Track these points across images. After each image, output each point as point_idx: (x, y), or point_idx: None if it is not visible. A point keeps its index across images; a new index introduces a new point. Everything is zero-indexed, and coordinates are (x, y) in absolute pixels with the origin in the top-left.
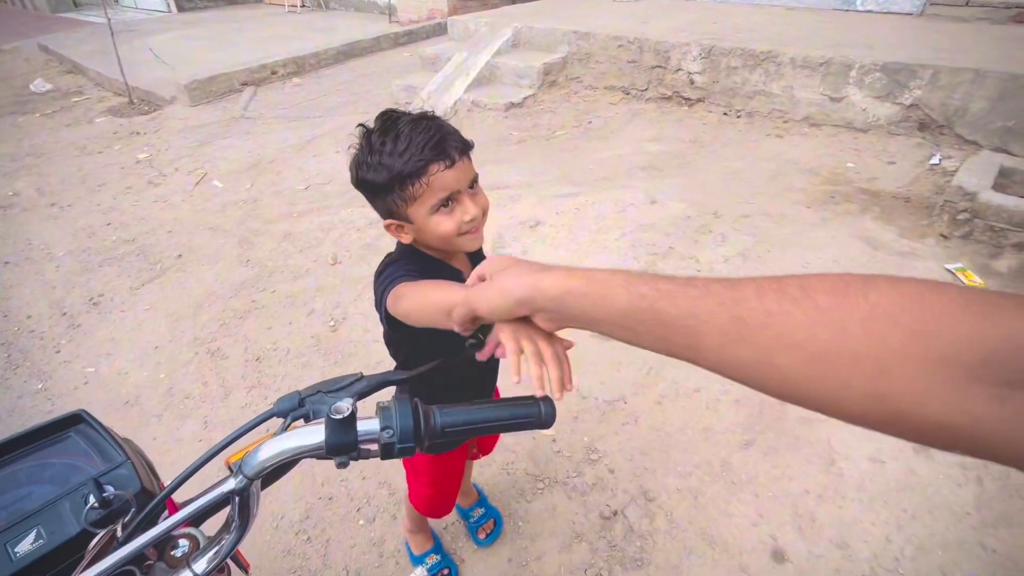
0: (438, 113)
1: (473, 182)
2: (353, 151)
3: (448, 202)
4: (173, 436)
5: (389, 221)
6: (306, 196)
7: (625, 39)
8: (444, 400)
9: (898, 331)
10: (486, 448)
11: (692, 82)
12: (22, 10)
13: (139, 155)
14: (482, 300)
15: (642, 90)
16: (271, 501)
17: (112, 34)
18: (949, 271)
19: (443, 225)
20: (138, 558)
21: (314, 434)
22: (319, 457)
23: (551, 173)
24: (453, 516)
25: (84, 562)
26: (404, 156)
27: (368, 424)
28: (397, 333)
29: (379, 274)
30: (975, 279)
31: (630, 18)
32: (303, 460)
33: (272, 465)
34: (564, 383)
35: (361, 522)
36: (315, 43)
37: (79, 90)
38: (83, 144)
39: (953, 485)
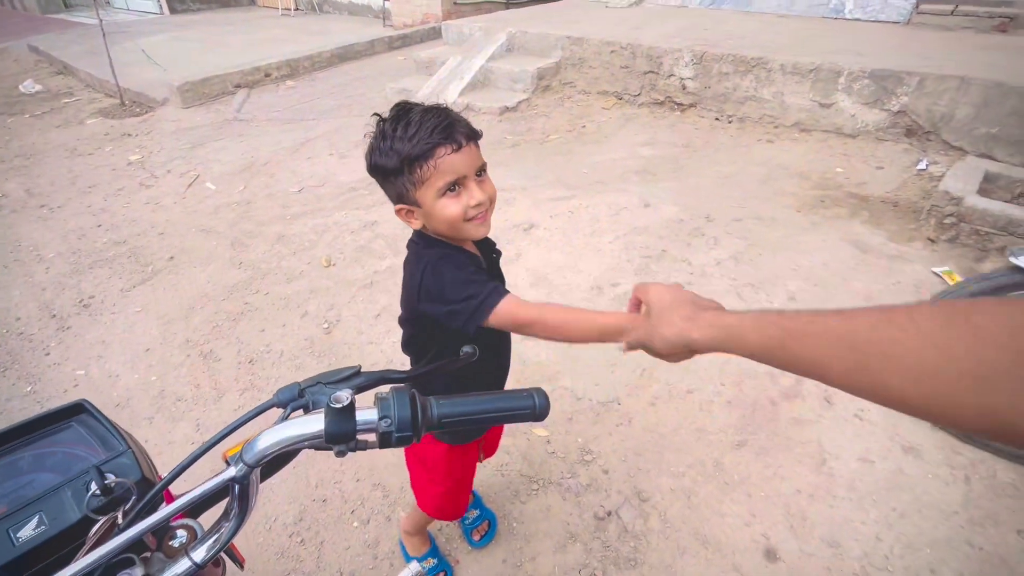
0: None
1: (481, 170)
2: (368, 140)
3: (455, 186)
4: (165, 439)
5: (400, 206)
6: (300, 198)
7: (618, 45)
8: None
9: (1004, 352)
10: (490, 450)
11: (684, 87)
12: (11, 11)
13: (131, 157)
14: (660, 339)
15: (635, 95)
16: (265, 503)
17: (104, 35)
18: (936, 274)
19: (449, 209)
20: (137, 547)
21: (314, 423)
22: (318, 447)
23: (545, 177)
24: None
25: (85, 548)
26: (413, 140)
27: (367, 414)
28: (425, 334)
29: (425, 275)
30: (958, 279)
31: (623, 24)
32: (300, 459)
33: (272, 453)
34: None
35: (355, 524)
36: (309, 46)
37: (69, 91)
38: (74, 145)
39: (941, 484)
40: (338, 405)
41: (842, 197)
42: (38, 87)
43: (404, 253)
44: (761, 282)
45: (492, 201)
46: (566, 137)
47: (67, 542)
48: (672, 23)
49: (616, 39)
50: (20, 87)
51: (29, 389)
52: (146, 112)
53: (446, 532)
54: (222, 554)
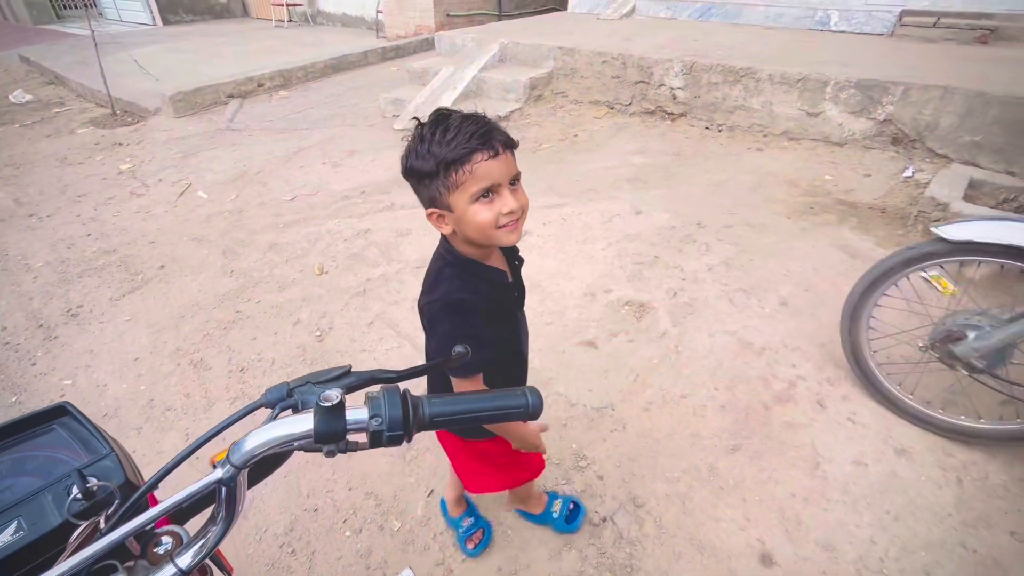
0: None
1: (515, 179)
2: (406, 143)
3: (488, 193)
4: (153, 449)
5: (431, 210)
6: (292, 207)
7: (609, 55)
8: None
9: None
10: None
11: (675, 97)
12: (2, 21)
13: (122, 166)
14: None
15: (626, 104)
16: (255, 513)
17: (96, 45)
18: (925, 279)
19: (481, 215)
20: (121, 555)
21: (303, 422)
22: (307, 449)
23: (538, 185)
24: (442, 525)
25: (66, 553)
26: (451, 144)
27: (357, 413)
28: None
29: (447, 307)
30: (950, 286)
31: (614, 36)
32: (291, 467)
33: (260, 453)
34: None
35: (347, 533)
36: (302, 57)
37: (60, 101)
38: (64, 155)
39: (934, 486)
40: (327, 404)
41: (831, 204)
42: (28, 97)
43: (397, 261)
44: (752, 287)
45: (524, 210)
46: (558, 146)
47: (47, 548)
48: (662, 34)
49: (607, 50)
50: (10, 97)
51: (14, 399)
52: (138, 122)
53: (440, 540)
54: (209, 562)
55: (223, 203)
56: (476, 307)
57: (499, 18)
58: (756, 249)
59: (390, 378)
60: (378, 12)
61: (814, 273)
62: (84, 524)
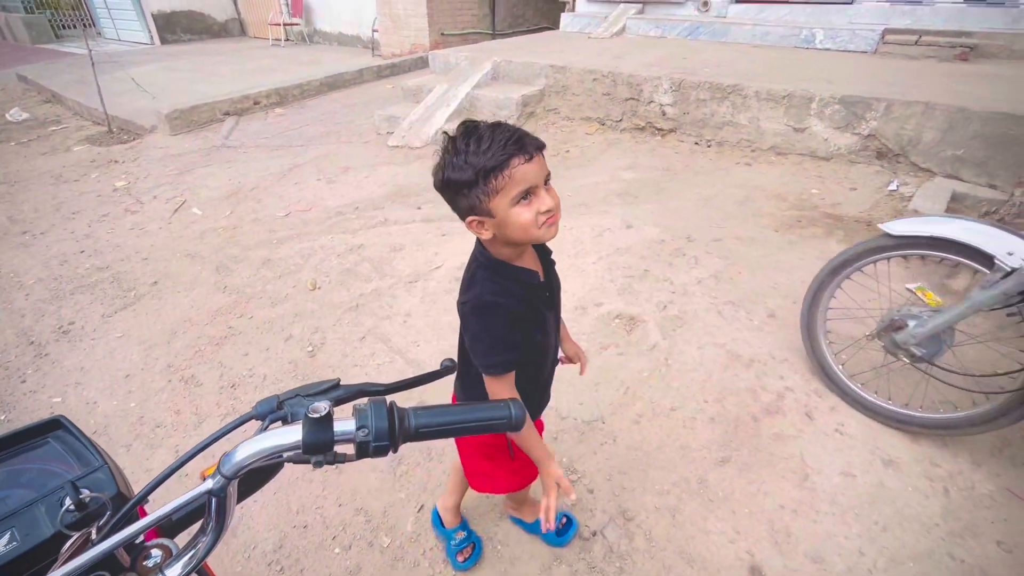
0: (418, 143)
1: (547, 178)
2: (436, 156)
3: (527, 195)
4: (143, 466)
5: (472, 218)
6: (286, 223)
7: (599, 73)
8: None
9: None
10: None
11: (664, 113)
12: (2, 41)
13: (117, 183)
14: None
15: (617, 121)
16: (244, 530)
17: (93, 64)
18: (910, 290)
19: (523, 216)
20: (112, 567)
21: (292, 433)
22: (296, 460)
23: None
24: (431, 541)
25: (58, 563)
26: (488, 152)
27: (344, 424)
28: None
29: (478, 307)
30: (934, 297)
31: (604, 54)
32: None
33: (250, 463)
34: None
35: (336, 550)
36: (299, 75)
37: (57, 119)
38: (59, 172)
39: (921, 497)
40: (316, 415)
41: (818, 217)
42: (25, 115)
43: (390, 276)
44: (741, 300)
45: (558, 206)
46: (550, 162)
47: (40, 558)
48: (652, 52)
49: (598, 68)
50: (6, 115)
51: (3, 417)
52: (134, 139)
53: (429, 556)
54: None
55: (217, 219)
56: (506, 309)
57: (493, 37)
58: (744, 262)
59: (378, 391)
60: (374, 31)
61: (802, 285)
62: (76, 535)
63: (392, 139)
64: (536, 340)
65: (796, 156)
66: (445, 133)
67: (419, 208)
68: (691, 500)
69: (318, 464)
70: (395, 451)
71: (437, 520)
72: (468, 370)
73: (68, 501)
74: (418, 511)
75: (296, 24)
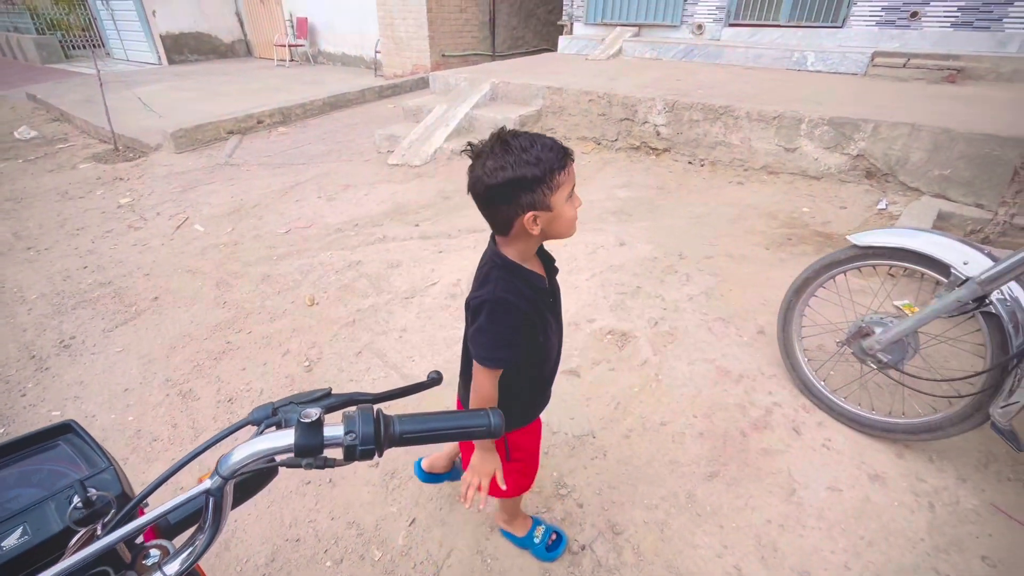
0: (417, 162)
1: None
2: (483, 166)
3: (571, 193)
4: (139, 479)
5: (532, 213)
6: (286, 240)
7: (595, 94)
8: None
9: None
10: None
11: (658, 133)
12: (12, 60)
13: (121, 200)
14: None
15: (612, 140)
16: (236, 543)
17: (101, 84)
18: (897, 307)
19: (570, 210)
20: (115, 563)
21: (285, 437)
22: (289, 464)
23: None
24: (423, 554)
25: (65, 556)
26: (552, 152)
27: (334, 429)
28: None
29: (491, 304)
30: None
31: (600, 75)
32: (274, 496)
33: (246, 465)
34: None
35: (328, 563)
36: (302, 95)
37: (64, 137)
38: (65, 189)
39: (907, 512)
40: (307, 420)
41: (808, 235)
42: (33, 133)
43: (387, 292)
44: (731, 316)
45: None
46: None
47: (49, 552)
48: (647, 74)
49: (593, 89)
50: (15, 133)
51: (2, 431)
52: (139, 157)
53: (420, 569)
54: None
55: (219, 236)
56: (516, 307)
57: (492, 58)
58: (735, 279)
59: (367, 400)
60: (376, 52)
61: None
62: (82, 531)
63: (392, 158)
64: (539, 343)
65: (788, 175)
66: (471, 144)
67: (417, 225)
68: (679, 515)
69: (309, 466)
70: (380, 455)
71: (511, 536)
72: (469, 371)
73: (76, 499)
74: (409, 524)
75: (301, 45)
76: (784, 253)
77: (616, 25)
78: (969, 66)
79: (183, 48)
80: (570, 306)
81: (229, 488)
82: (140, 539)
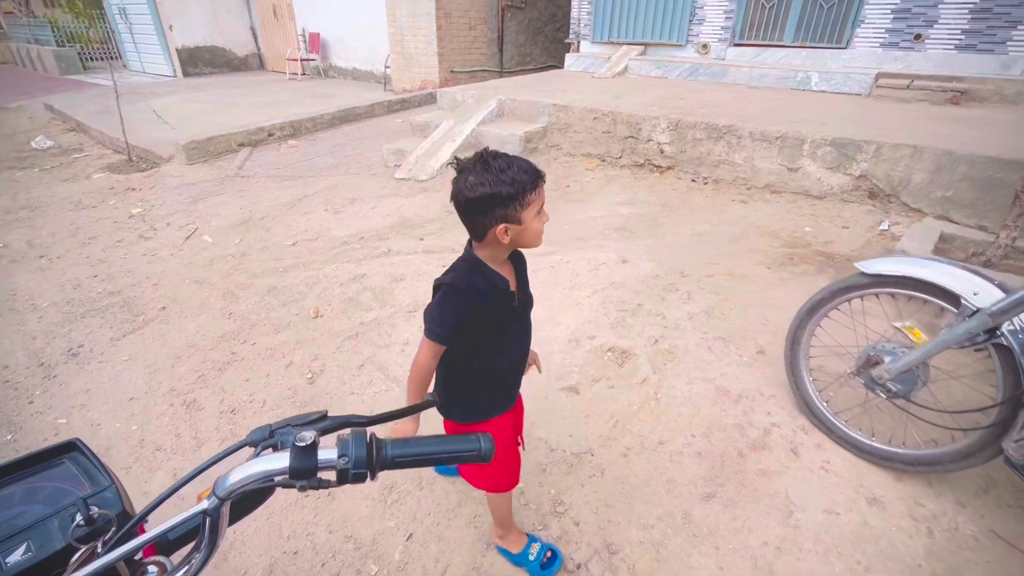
0: (424, 176)
1: None
2: (465, 180)
3: (540, 209)
4: (141, 489)
5: (504, 225)
6: (293, 252)
7: (600, 112)
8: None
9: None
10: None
11: (662, 151)
12: (32, 71)
13: (132, 210)
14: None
15: (617, 157)
16: (235, 555)
17: (117, 96)
18: (898, 329)
19: (537, 225)
20: None
21: (280, 460)
22: (284, 485)
23: None
24: (419, 570)
25: (66, 573)
26: (526, 175)
27: (327, 453)
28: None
29: (444, 287)
30: (922, 336)
31: (605, 93)
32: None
33: (242, 486)
34: None
35: None
36: (312, 108)
37: (80, 147)
38: (78, 199)
39: (905, 536)
40: (302, 444)
41: (810, 255)
42: (50, 143)
43: (390, 305)
44: (731, 335)
45: None
46: (551, 196)
47: (52, 568)
48: (652, 92)
49: (599, 107)
50: (32, 143)
51: (10, 437)
52: (152, 168)
53: None
54: None
55: (227, 247)
56: (465, 296)
57: (500, 75)
58: (736, 298)
59: (361, 422)
60: (386, 67)
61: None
62: (84, 548)
63: (399, 172)
64: (491, 336)
65: (790, 194)
66: (457, 159)
67: (421, 239)
68: (676, 535)
69: (303, 488)
70: (372, 478)
71: (506, 553)
72: (447, 366)
73: (79, 517)
74: (407, 539)
75: (313, 60)
76: (786, 273)
77: (622, 43)
78: (973, 88)
79: (198, 61)
80: (571, 322)
81: (225, 509)
82: (139, 555)
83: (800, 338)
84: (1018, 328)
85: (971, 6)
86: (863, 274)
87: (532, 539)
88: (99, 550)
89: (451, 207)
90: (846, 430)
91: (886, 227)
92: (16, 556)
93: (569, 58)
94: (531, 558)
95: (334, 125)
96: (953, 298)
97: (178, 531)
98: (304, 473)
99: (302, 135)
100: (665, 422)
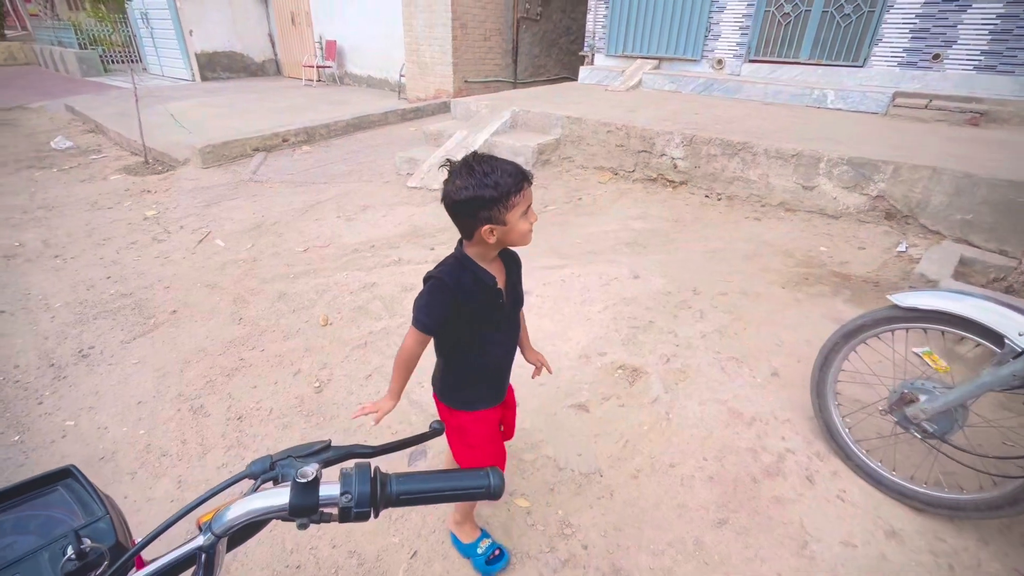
0: (436, 186)
1: None
2: (453, 183)
3: (527, 210)
4: (145, 495)
5: (488, 226)
6: (304, 258)
7: (614, 125)
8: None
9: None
10: (508, 434)
11: (676, 166)
12: (55, 73)
13: (147, 212)
14: None
15: (629, 171)
16: (238, 568)
17: (136, 99)
18: (917, 354)
19: (523, 225)
20: None
21: (280, 496)
22: (284, 519)
23: (540, 245)
24: None
25: None
26: (511, 178)
27: (329, 489)
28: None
29: (431, 280)
30: (941, 363)
31: (619, 107)
32: (274, 522)
33: (239, 524)
34: None
35: None
36: (327, 115)
37: (98, 149)
38: (95, 199)
39: (924, 572)
40: (303, 480)
41: (825, 275)
42: (69, 143)
43: (400, 315)
44: (745, 356)
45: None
46: (563, 208)
47: None
48: (666, 107)
49: (612, 120)
50: (52, 143)
51: (17, 438)
52: (167, 171)
53: None
54: None
55: (239, 252)
56: (450, 290)
57: (514, 86)
58: (750, 318)
59: (366, 453)
60: (401, 76)
61: (806, 344)
62: None
63: (411, 180)
64: (491, 337)
65: (805, 213)
66: (448, 160)
67: (432, 249)
68: (686, 562)
69: (303, 526)
70: (375, 517)
71: (456, 541)
72: (440, 355)
73: (70, 550)
74: (411, 557)
75: (328, 67)
76: (800, 293)
77: (637, 57)
78: (992, 109)
79: (216, 66)
80: (581, 338)
81: (222, 545)
82: None
83: (832, 361)
84: None
85: (991, 27)
86: (895, 306)
87: (484, 534)
88: None
89: None
90: (866, 460)
91: (903, 249)
92: None
93: (583, 71)
94: (479, 551)
95: (348, 132)
96: (995, 337)
97: (174, 564)
98: (304, 511)
99: (316, 141)
100: (676, 444)
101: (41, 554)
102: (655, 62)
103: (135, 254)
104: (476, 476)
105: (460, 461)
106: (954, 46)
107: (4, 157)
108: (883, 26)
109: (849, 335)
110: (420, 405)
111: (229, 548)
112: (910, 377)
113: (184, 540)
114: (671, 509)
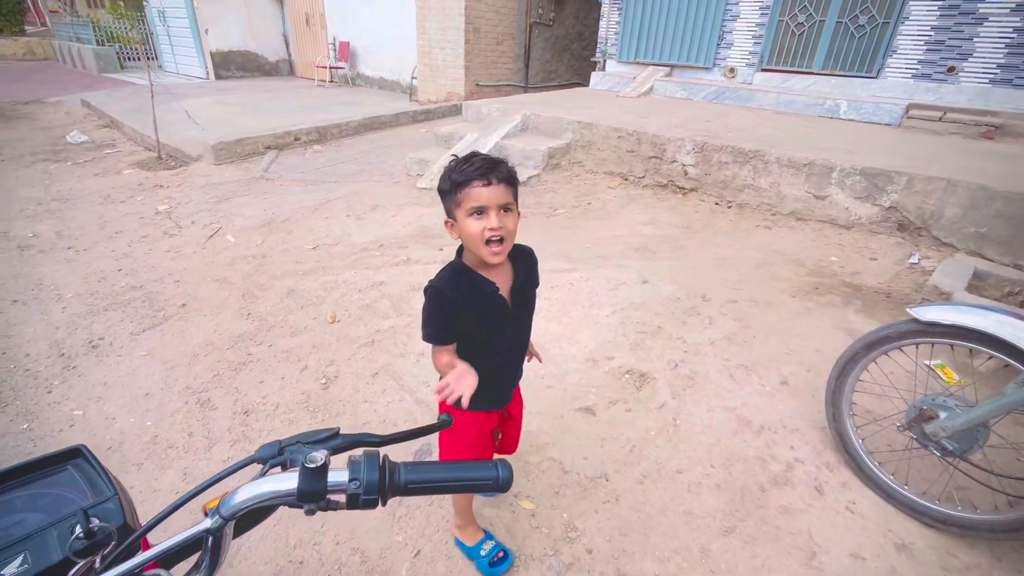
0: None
1: (506, 207)
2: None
3: (480, 212)
4: (151, 486)
5: (447, 220)
6: (313, 255)
7: (625, 131)
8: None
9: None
10: (509, 448)
11: (686, 173)
12: (72, 68)
13: (159, 206)
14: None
15: (640, 177)
16: (241, 562)
17: (152, 95)
18: (929, 367)
19: (471, 227)
20: None
21: (288, 481)
22: (291, 505)
23: (549, 249)
24: None
25: None
26: (463, 173)
27: (338, 475)
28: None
29: (429, 290)
30: (954, 376)
31: (631, 113)
32: (280, 518)
33: (247, 507)
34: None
35: None
36: (339, 115)
37: (112, 143)
38: (108, 193)
39: None
40: (312, 465)
41: (836, 285)
42: (84, 138)
43: (407, 314)
44: (754, 364)
45: (509, 233)
46: (572, 212)
47: None
48: (677, 114)
49: (623, 126)
50: (67, 137)
51: (25, 426)
52: (180, 166)
53: None
54: None
55: (249, 247)
56: (449, 300)
57: (525, 90)
58: (759, 326)
59: (374, 442)
60: (412, 78)
61: (816, 354)
62: (81, 562)
63: (421, 181)
64: (493, 343)
65: (816, 222)
66: (454, 155)
67: (440, 250)
68: (692, 570)
69: (310, 512)
70: (383, 505)
71: (460, 544)
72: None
73: (78, 528)
74: (414, 556)
75: (341, 68)
76: (811, 302)
77: (648, 64)
78: (1008, 123)
79: (230, 65)
80: (589, 342)
81: (229, 528)
82: (140, 569)
83: (850, 371)
84: None
85: (1007, 40)
86: (915, 320)
87: (488, 536)
88: (97, 565)
89: None
90: (879, 473)
91: (916, 260)
92: (12, 568)
93: (594, 76)
94: (482, 553)
95: (359, 132)
96: (1020, 355)
97: (181, 546)
98: (312, 496)
99: (328, 141)
100: (683, 450)
101: (50, 532)
102: (667, 69)
103: (146, 247)
104: (485, 467)
105: (446, 452)
106: (970, 59)
107: (20, 150)
108: (898, 38)
109: (871, 346)
110: (426, 404)
111: (236, 534)
112: (929, 392)
113: (188, 526)
114: (677, 516)
